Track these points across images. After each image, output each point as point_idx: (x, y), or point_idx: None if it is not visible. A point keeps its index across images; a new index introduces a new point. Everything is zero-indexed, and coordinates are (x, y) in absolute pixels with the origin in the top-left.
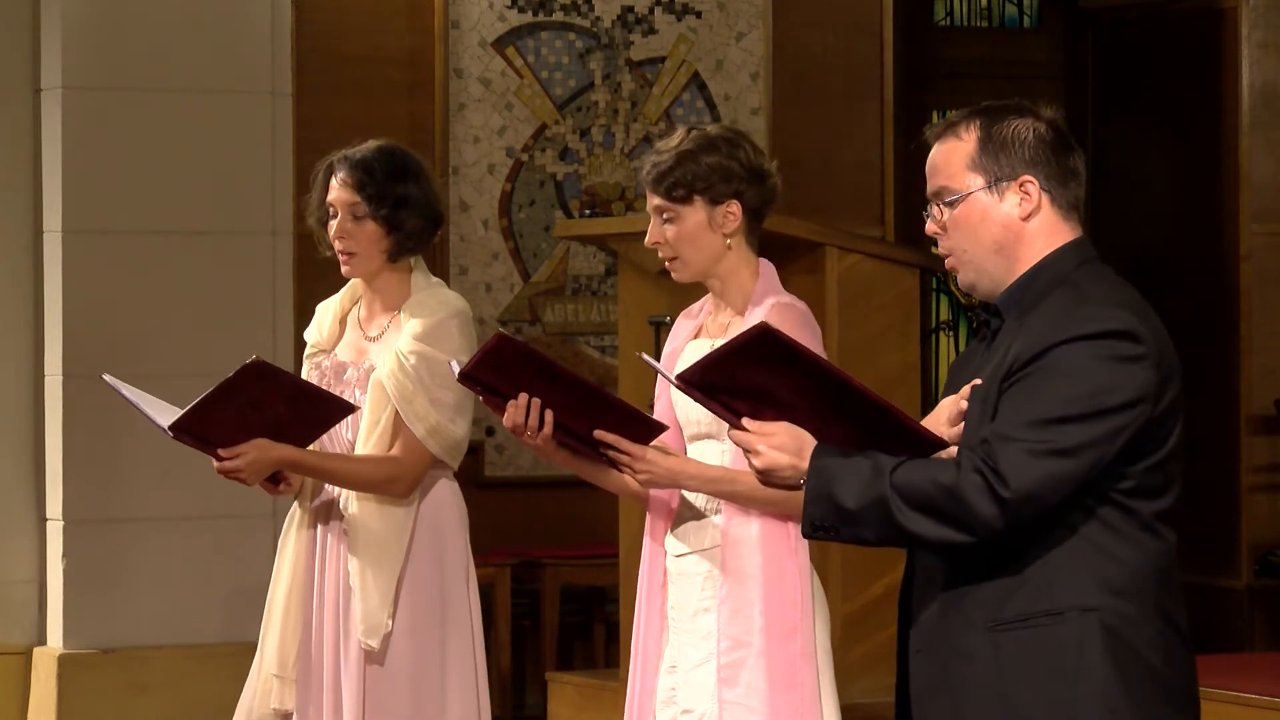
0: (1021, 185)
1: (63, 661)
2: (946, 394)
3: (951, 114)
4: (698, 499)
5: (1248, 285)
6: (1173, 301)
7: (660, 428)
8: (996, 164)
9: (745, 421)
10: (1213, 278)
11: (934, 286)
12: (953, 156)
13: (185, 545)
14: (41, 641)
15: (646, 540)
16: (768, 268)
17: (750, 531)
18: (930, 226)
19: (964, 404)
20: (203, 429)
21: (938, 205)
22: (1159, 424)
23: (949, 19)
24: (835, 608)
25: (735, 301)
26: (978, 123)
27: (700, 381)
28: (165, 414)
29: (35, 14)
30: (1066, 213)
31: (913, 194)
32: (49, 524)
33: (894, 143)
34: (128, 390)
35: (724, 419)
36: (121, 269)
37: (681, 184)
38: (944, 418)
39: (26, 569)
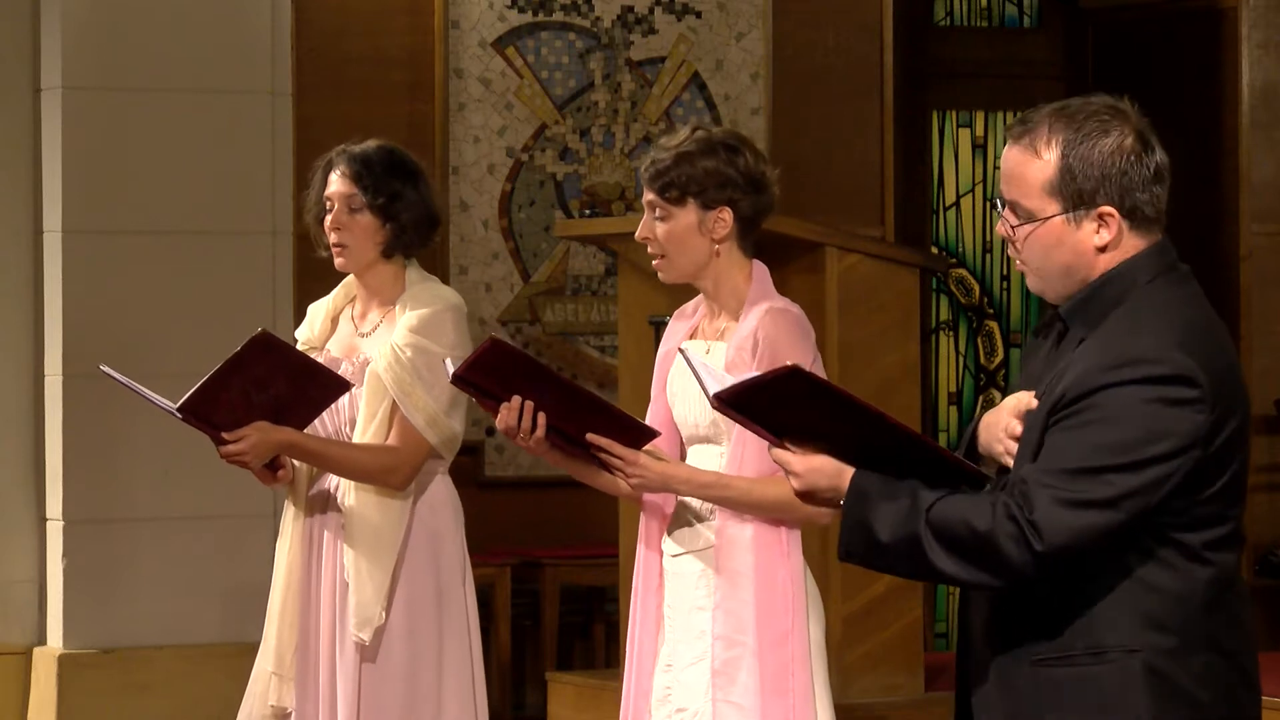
0: (1101, 216)
1: (63, 661)
2: (1015, 386)
3: (1033, 112)
4: (693, 501)
5: (1248, 285)
6: None
7: (652, 434)
8: (1077, 192)
9: (785, 441)
10: (1213, 278)
11: (934, 286)
12: (1029, 173)
13: (185, 545)
14: (41, 641)
15: (640, 544)
16: (761, 270)
17: (744, 533)
18: (1001, 229)
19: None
20: (209, 410)
21: (1012, 213)
22: (1212, 462)
23: (949, 19)
24: (836, 607)
25: (729, 305)
26: (1060, 139)
27: (735, 402)
28: (166, 401)
29: (35, 14)
30: (1148, 227)
31: (913, 194)
32: (49, 524)
33: (894, 143)
34: (126, 379)
35: (763, 438)
36: (121, 269)
37: (675, 184)
38: (1007, 409)
39: (26, 569)
